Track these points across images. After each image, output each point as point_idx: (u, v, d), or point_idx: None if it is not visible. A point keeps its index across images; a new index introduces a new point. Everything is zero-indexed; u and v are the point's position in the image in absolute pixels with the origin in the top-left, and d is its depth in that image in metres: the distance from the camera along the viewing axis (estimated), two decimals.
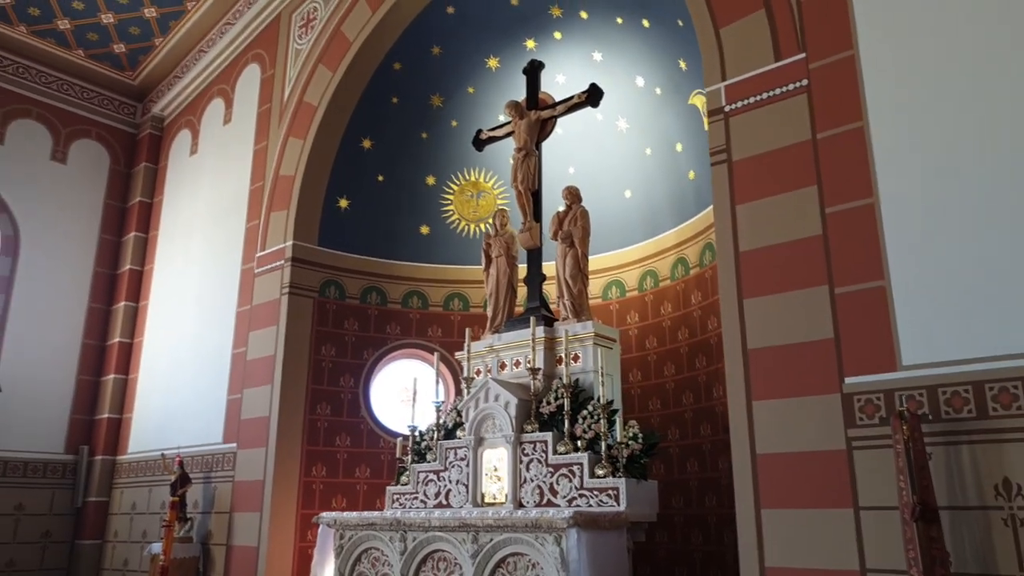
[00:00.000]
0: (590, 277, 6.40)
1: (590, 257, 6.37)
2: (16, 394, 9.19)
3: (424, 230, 8.26)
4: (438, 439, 6.25)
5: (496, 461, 5.73)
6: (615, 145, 7.59)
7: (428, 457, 6.25)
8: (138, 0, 9.44)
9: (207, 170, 9.65)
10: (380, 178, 8.12)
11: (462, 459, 5.92)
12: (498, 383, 5.84)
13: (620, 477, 5.04)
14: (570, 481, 5.27)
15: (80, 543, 9.36)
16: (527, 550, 4.67)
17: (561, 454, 5.38)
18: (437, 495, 6.01)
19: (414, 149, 8.13)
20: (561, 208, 6.49)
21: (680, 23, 6.13)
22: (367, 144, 8.01)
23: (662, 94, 7.01)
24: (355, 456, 7.52)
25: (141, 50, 10.41)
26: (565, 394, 5.54)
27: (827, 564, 3.78)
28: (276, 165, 8.18)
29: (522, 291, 6.75)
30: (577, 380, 5.75)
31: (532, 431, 5.60)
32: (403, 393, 7.52)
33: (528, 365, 5.92)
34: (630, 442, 5.17)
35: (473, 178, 8.29)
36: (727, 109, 4.72)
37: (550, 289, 6.75)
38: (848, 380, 3.91)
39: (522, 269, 6.77)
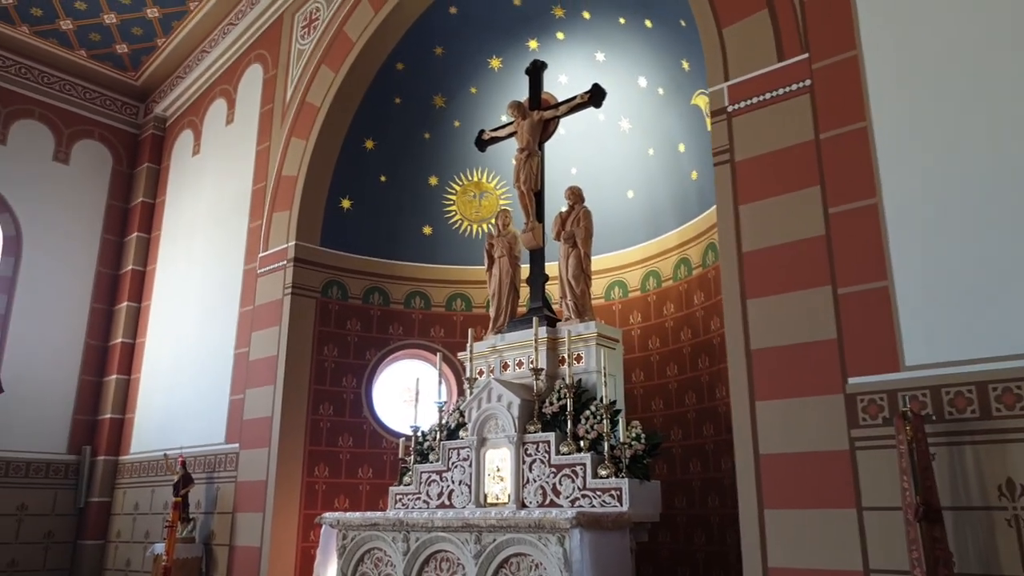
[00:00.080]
0: (592, 277, 6.40)
1: (592, 257, 6.37)
2: (19, 394, 9.19)
3: (427, 230, 8.26)
4: (441, 439, 6.25)
5: (499, 461, 5.74)
6: (618, 145, 7.60)
7: (431, 457, 6.26)
8: (140, 0, 9.45)
9: (209, 170, 9.66)
10: (383, 178, 8.13)
11: (465, 459, 5.92)
12: (501, 383, 5.84)
13: (623, 477, 5.05)
14: (573, 481, 5.28)
15: (83, 543, 9.37)
16: (530, 550, 4.67)
17: (564, 454, 5.39)
18: (440, 495, 6.01)
19: (417, 149, 8.14)
20: (564, 208, 6.49)
21: (683, 23, 6.13)
22: (370, 144, 8.02)
23: (664, 94, 7.02)
24: (357, 456, 7.53)
25: (144, 50, 10.42)
26: (568, 394, 5.55)
27: (830, 564, 3.78)
28: (278, 165, 8.18)
29: (524, 291, 6.75)
30: (580, 380, 5.75)
31: (535, 431, 5.61)
32: (406, 393, 7.52)
33: (531, 365, 5.92)
34: (633, 442, 5.17)
35: (476, 178, 8.30)
36: (730, 109, 4.72)
37: (553, 289, 6.76)
38: (851, 380, 3.91)
39: (525, 269, 6.78)
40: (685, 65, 6.53)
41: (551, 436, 5.50)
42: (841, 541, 3.77)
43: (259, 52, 9.24)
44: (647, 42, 6.84)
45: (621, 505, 4.97)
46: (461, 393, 7.23)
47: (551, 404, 5.68)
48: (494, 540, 4.82)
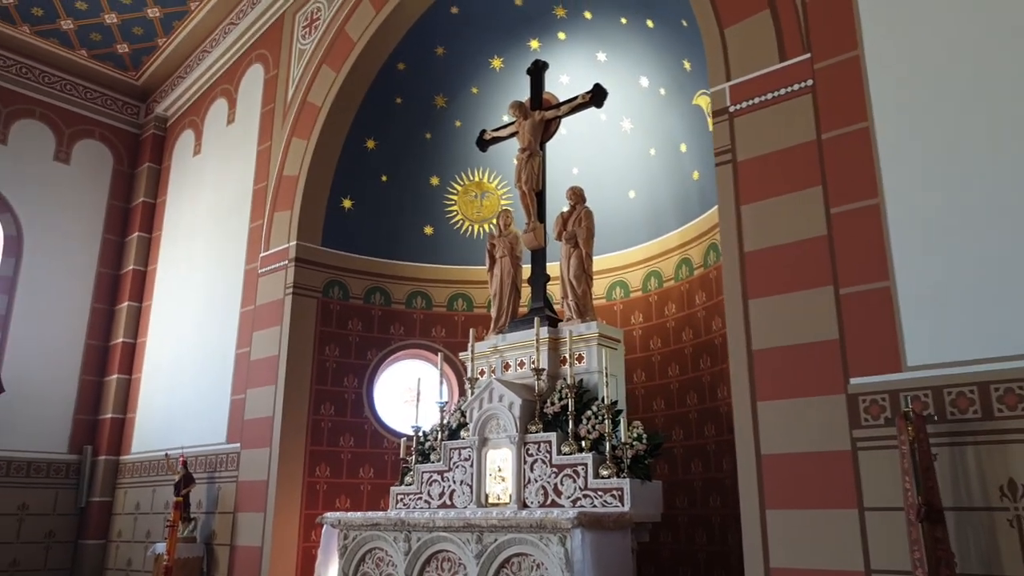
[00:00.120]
0: (594, 278, 6.40)
1: (594, 257, 6.37)
2: (20, 394, 9.20)
3: (428, 230, 8.26)
4: (442, 439, 6.26)
5: (500, 461, 5.74)
6: (619, 145, 7.60)
7: (432, 457, 6.26)
8: (141, 0, 9.45)
9: (210, 170, 9.66)
10: (384, 178, 8.13)
11: (466, 459, 5.92)
12: (502, 383, 5.85)
13: (624, 477, 5.05)
14: (574, 481, 5.28)
15: (84, 543, 9.37)
16: (531, 550, 4.67)
17: (565, 454, 5.39)
18: (441, 495, 6.01)
19: (418, 149, 8.14)
20: (565, 208, 6.50)
21: (684, 23, 6.13)
22: (371, 144, 8.02)
23: (666, 94, 7.01)
24: (359, 456, 7.53)
25: (144, 50, 10.42)
26: (569, 394, 5.55)
27: (832, 565, 3.78)
28: (280, 165, 8.18)
29: (526, 291, 6.76)
30: (581, 380, 5.75)
31: (536, 431, 5.61)
32: (407, 393, 7.53)
33: (532, 365, 5.92)
34: (634, 442, 5.17)
35: (477, 178, 8.30)
36: (732, 109, 4.72)
37: (554, 290, 6.76)
38: (853, 381, 3.91)
39: (526, 269, 6.79)
40: (687, 65, 6.53)
41: (552, 436, 5.50)
42: (843, 541, 3.77)
43: (260, 52, 9.24)
44: (649, 42, 6.84)
45: (622, 505, 4.97)
46: (462, 393, 7.23)
47: (552, 404, 5.68)
48: (495, 540, 4.82)
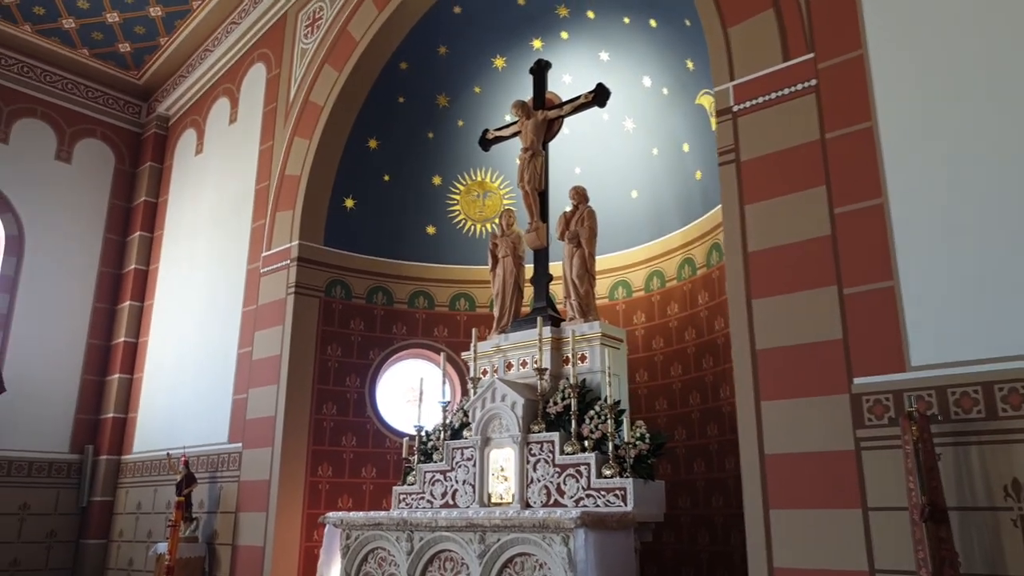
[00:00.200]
0: (596, 277, 6.40)
1: (596, 257, 6.37)
2: (21, 394, 9.20)
3: (430, 230, 8.26)
4: (444, 439, 6.25)
5: (503, 461, 5.74)
6: (622, 145, 7.59)
7: (434, 457, 6.26)
8: None
9: (212, 170, 9.66)
10: (386, 178, 8.13)
11: (469, 459, 5.92)
12: (505, 383, 5.84)
13: (627, 477, 5.05)
14: (577, 481, 5.27)
15: (85, 543, 9.37)
16: (534, 550, 4.67)
17: (568, 454, 5.38)
18: (444, 495, 6.01)
19: (420, 149, 8.14)
20: (568, 208, 6.49)
21: (687, 23, 6.13)
22: (373, 144, 8.02)
23: (669, 94, 7.01)
24: (361, 456, 7.53)
25: (146, 49, 10.42)
26: (572, 394, 5.55)
27: (836, 565, 3.78)
28: (282, 165, 8.18)
29: (528, 291, 6.76)
30: (584, 380, 5.75)
31: (539, 431, 5.60)
32: (409, 393, 7.53)
33: (535, 365, 5.92)
34: (637, 442, 5.17)
35: (479, 178, 8.30)
36: (735, 109, 4.72)
37: (557, 289, 6.76)
38: (857, 381, 3.91)
39: (528, 269, 6.79)
40: (689, 65, 6.53)
41: (555, 436, 5.49)
42: (847, 541, 3.76)
43: (262, 51, 9.24)
44: (651, 42, 6.84)
45: (625, 505, 4.96)
46: (465, 393, 7.23)
47: (555, 404, 5.68)
48: (498, 540, 4.82)
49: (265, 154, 8.59)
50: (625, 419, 5.39)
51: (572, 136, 7.54)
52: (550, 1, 7.19)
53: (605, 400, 5.41)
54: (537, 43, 7.56)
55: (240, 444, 7.64)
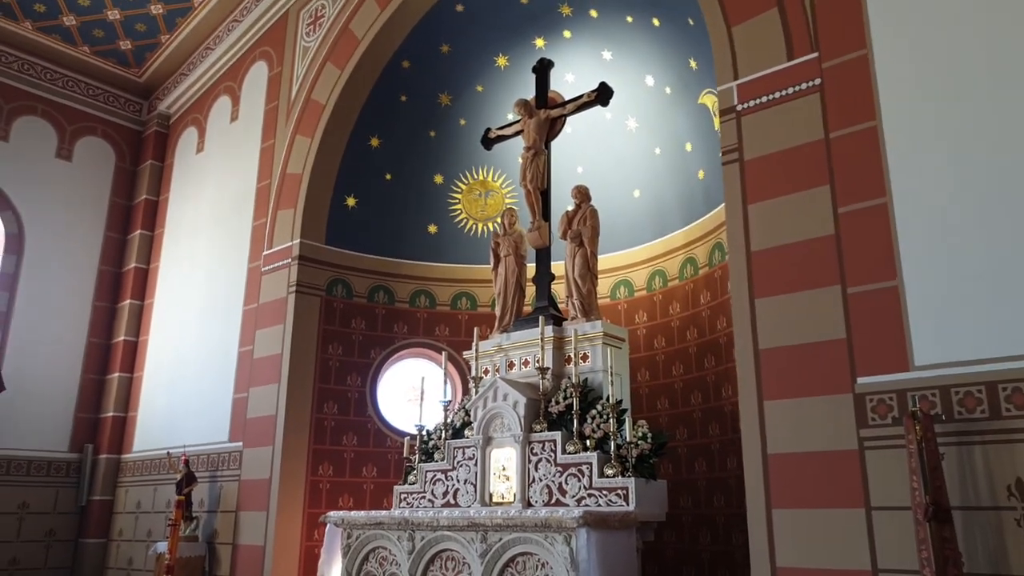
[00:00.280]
0: (598, 276, 6.39)
1: (598, 256, 6.36)
2: (21, 392, 9.18)
3: (432, 229, 8.25)
4: (446, 438, 6.24)
5: (504, 460, 5.73)
6: (624, 144, 7.59)
7: (436, 456, 6.25)
8: None
9: (213, 168, 9.65)
10: (388, 177, 8.12)
11: (470, 458, 5.91)
12: (507, 382, 5.84)
13: (630, 477, 5.04)
14: (579, 480, 5.27)
15: (84, 542, 9.36)
16: (536, 550, 4.66)
17: (570, 453, 5.38)
18: (445, 494, 6.00)
19: (422, 147, 8.13)
20: (570, 207, 6.49)
21: (691, 22, 6.12)
22: (375, 142, 8.01)
23: (672, 93, 7.01)
24: (362, 455, 7.52)
25: (147, 47, 10.41)
26: (574, 393, 5.54)
27: (839, 564, 3.78)
28: (283, 163, 8.17)
29: (530, 290, 6.75)
30: (586, 379, 5.75)
31: (541, 430, 5.60)
32: (410, 392, 7.52)
33: (537, 364, 5.91)
34: (640, 442, 5.16)
35: (481, 177, 8.29)
36: (739, 108, 4.72)
37: (559, 288, 6.75)
38: (860, 380, 3.90)
39: (531, 268, 6.78)
40: (692, 64, 6.52)
41: (557, 435, 5.49)
42: (850, 541, 3.76)
43: (264, 49, 9.23)
44: (654, 41, 6.84)
45: (627, 504, 4.96)
46: (466, 392, 7.23)
47: (557, 403, 5.67)
48: (500, 539, 4.81)
49: (266, 152, 8.58)
50: (627, 418, 5.38)
51: (574, 135, 7.53)
52: (553, 0, 7.18)
53: (607, 399, 5.40)
54: (540, 42, 7.55)
55: (241, 443, 7.63)
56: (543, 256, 6.66)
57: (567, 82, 7.42)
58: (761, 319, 4.34)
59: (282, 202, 8.04)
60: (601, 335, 5.85)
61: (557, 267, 6.64)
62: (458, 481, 5.95)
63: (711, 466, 6.37)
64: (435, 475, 6.12)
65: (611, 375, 5.44)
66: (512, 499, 5.56)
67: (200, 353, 8.72)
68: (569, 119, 6.95)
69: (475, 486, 5.78)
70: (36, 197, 9.97)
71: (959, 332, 3.67)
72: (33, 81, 10.26)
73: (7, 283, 9.58)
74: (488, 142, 7.44)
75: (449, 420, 6.43)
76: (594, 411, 5.45)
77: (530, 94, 7.05)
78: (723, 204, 4.96)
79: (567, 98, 6.85)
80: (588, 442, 5.36)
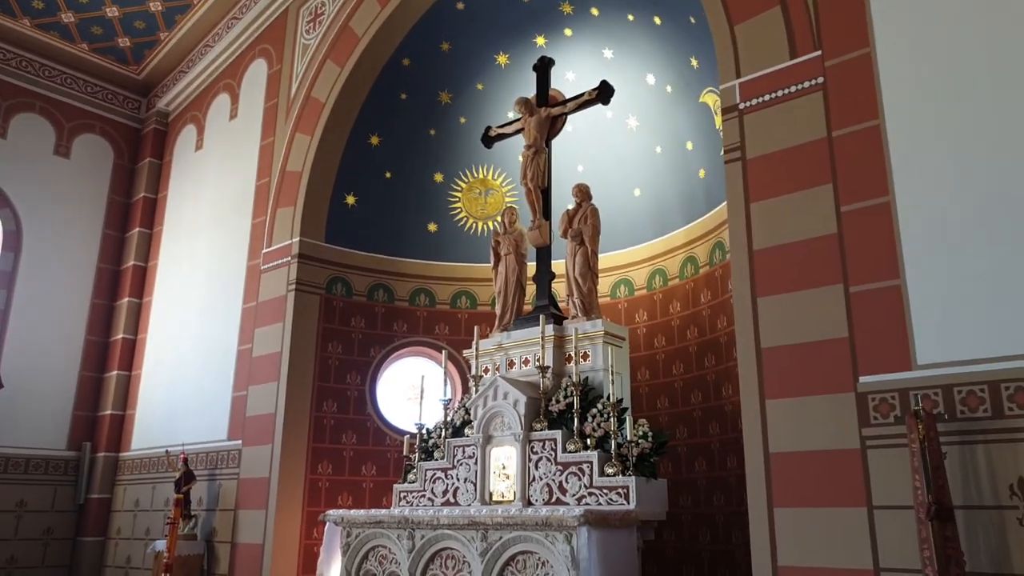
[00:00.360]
0: (599, 275, 6.38)
1: (599, 255, 6.35)
2: (19, 390, 9.16)
3: (432, 227, 8.24)
4: (446, 437, 6.23)
5: (504, 459, 5.72)
6: (625, 143, 7.58)
7: (436, 455, 6.24)
8: None
9: (212, 166, 9.62)
10: (388, 175, 8.11)
11: (470, 457, 5.91)
12: (507, 381, 5.83)
13: (630, 475, 5.03)
14: (579, 479, 5.26)
15: (82, 540, 9.34)
16: (537, 548, 4.66)
17: (570, 452, 5.37)
18: (445, 493, 5.99)
19: (422, 146, 8.11)
20: (571, 206, 6.48)
21: (692, 20, 6.11)
22: (375, 140, 7.99)
23: (673, 92, 7.00)
24: (361, 454, 7.51)
25: (146, 44, 10.38)
26: (574, 392, 5.53)
27: (841, 563, 3.77)
28: (283, 161, 8.15)
29: (531, 289, 6.74)
30: (586, 378, 5.74)
31: (541, 429, 5.59)
32: (410, 391, 7.51)
33: (537, 363, 5.91)
34: (640, 440, 5.16)
35: (482, 175, 8.27)
36: (741, 107, 4.71)
37: (559, 287, 6.74)
38: (863, 379, 3.90)
39: (531, 267, 6.77)
40: (694, 62, 6.51)
41: (557, 434, 5.48)
42: (852, 540, 3.76)
43: (263, 47, 9.20)
44: (656, 39, 6.83)
45: (628, 503, 4.95)
46: (466, 391, 7.22)
47: (557, 402, 5.67)
48: (500, 538, 4.80)
49: (266, 150, 8.55)
50: (628, 417, 5.37)
51: (575, 133, 7.52)
52: None
53: (608, 398, 5.40)
54: (540, 40, 7.53)
55: (240, 441, 7.61)
56: (543, 255, 6.65)
57: (568, 80, 7.41)
58: (763, 318, 4.33)
59: (281, 200, 8.02)
60: (602, 334, 5.84)
61: (557, 266, 6.63)
62: (458, 480, 5.94)
63: (711, 465, 6.37)
64: (435, 473, 6.11)
65: (611, 374, 5.43)
66: (512, 498, 5.56)
67: (199, 351, 8.70)
68: (570, 117, 6.94)
69: (475, 485, 5.77)
70: (34, 194, 9.94)
71: (962, 331, 3.67)
72: (31, 78, 10.23)
73: (5, 281, 9.55)
74: (488, 140, 7.43)
75: (449, 419, 6.42)
76: (595, 410, 5.44)
77: (531, 92, 7.04)
78: (723, 203, 4.96)
79: (568, 96, 6.84)
80: (588, 441, 5.35)
